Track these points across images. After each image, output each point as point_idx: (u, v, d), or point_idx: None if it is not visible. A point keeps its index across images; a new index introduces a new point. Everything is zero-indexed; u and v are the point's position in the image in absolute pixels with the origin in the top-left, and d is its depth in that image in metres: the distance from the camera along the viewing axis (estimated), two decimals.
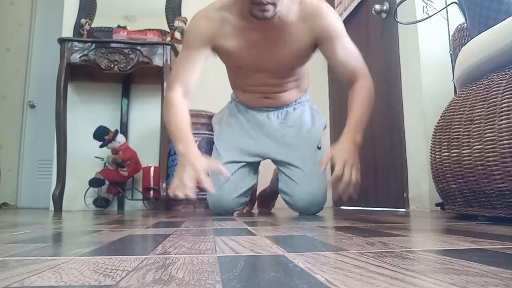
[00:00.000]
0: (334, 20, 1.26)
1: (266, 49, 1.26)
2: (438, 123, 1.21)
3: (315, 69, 2.82)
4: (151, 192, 2.37)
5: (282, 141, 1.45)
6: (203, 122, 2.29)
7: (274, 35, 1.23)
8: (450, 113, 1.13)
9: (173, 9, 2.72)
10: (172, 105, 1.28)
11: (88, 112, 2.62)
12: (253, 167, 1.51)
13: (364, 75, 1.28)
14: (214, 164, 1.23)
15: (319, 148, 1.47)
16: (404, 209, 1.85)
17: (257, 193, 1.95)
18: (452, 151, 1.08)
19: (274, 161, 1.51)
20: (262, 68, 1.32)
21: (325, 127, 1.56)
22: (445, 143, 1.12)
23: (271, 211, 1.83)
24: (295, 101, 1.51)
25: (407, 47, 1.91)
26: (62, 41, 2.24)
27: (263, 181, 2.09)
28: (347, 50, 1.27)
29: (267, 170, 2.17)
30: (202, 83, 1.44)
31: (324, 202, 1.42)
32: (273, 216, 1.34)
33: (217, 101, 1.92)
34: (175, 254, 0.43)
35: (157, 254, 0.43)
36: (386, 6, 2.06)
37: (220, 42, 1.27)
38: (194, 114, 2.15)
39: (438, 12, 1.71)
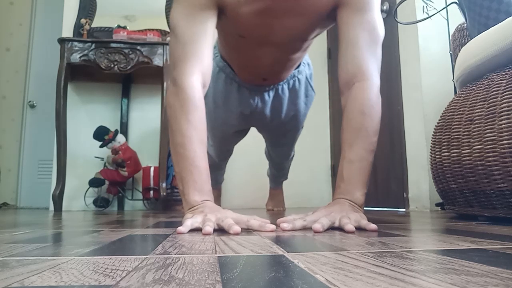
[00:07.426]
0: None
1: (280, 18, 0.97)
2: (438, 123, 1.21)
3: (315, 69, 2.83)
4: (151, 192, 2.37)
5: (270, 125, 1.48)
6: None
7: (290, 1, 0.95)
8: (450, 113, 1.13)
9: None
10: (192, 110, 0.84)
11: (88, 112, 2.62)
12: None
13: (368, 76, 0.89)
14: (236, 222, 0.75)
15: (301, 128, 1.55)
16: (404, 209, 1.85)
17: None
18: (452, 151, 1.08)
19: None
20: (269, 40, 1.05)
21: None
22: (445, 143, 1.12)
23: (273, 210, 1.83)
24: (292, 74, 1.33)
25: (407, 47, 1.91)
26: (62, 41, 2.24)
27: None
28: (365, 32, 0.90)
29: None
30: None
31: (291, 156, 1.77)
32: (273, 216, 1.34)
33: None
34: (175, 254, 0.43)
35: (157, 254, 0.43)
36: (386, 6, 2.06)
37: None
38: None
39: (438, 12, 1.71)
